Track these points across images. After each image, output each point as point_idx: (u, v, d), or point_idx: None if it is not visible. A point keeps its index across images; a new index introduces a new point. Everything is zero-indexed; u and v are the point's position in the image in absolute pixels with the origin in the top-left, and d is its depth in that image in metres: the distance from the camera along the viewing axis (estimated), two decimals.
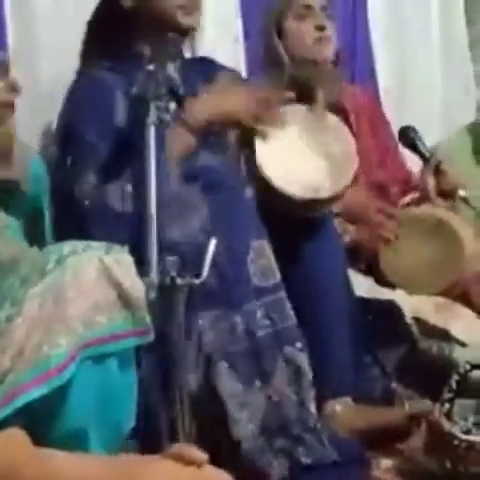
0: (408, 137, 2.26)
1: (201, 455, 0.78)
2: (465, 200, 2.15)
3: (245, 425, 1.56)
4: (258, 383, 1.58)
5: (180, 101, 1.74)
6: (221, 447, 1.54)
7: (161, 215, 1.53)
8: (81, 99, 1.81)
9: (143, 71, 1.59)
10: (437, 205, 2.18)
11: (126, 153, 1.69)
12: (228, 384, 1.57)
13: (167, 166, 1.67)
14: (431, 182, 2.17)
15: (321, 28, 2.28)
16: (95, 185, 1.71)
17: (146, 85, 1.58)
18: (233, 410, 1.56)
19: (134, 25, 1.88)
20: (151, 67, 1.60)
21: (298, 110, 1.90)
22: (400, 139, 2.32)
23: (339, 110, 2.22)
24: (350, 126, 2.25)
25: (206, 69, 2.02)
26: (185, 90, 1.86)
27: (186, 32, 1.93)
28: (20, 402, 1.25)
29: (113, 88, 1.78)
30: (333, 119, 1.94)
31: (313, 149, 1.84)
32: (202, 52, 2.61)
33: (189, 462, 0.76)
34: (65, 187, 1.74)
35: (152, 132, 1.58)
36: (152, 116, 1.58)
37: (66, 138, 1.81)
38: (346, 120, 2.27)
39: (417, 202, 2.25)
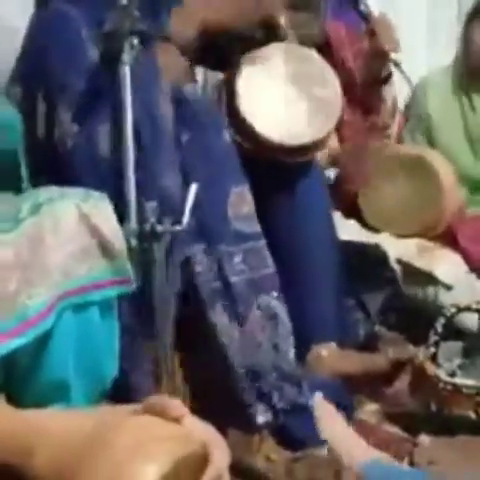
0: None
1: (180, 409, 0.72)
2: (396, 64, 2.08)
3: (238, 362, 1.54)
4: (235, 323, 1.56)
5: (143, 38, 1.63)
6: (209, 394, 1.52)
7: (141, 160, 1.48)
8: (47, 35, 1.70)
9: (116, 6, 1.51)
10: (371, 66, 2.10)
11: (99, 93, 1.61)
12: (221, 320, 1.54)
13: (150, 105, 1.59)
14: (366, 44, 2.10)
15: None
16: (74, 126, 1.63)
17: (120, 21, 1.50)
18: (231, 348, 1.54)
19: None
20: (124, 1, 1.51)
21: (278, 48, 1.84)
22: None
23: (323, 46, 2.16)
24: (335, 62, 2.20)
25: None
26: (149, 25, 1.75)
27: None
28: None
29: (79, 24, 1.68)
30: (317, 59, 1.88)
31: (296, 91, 1.78)
32: None
33: (167, 416, 0.71)
34: (39, 130, 1.66)
35: (127, 71, 1.52)
36: (127, 54, 1.51)
37: (35, 78, 1.71)
38: (330, 56, 2.21)
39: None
